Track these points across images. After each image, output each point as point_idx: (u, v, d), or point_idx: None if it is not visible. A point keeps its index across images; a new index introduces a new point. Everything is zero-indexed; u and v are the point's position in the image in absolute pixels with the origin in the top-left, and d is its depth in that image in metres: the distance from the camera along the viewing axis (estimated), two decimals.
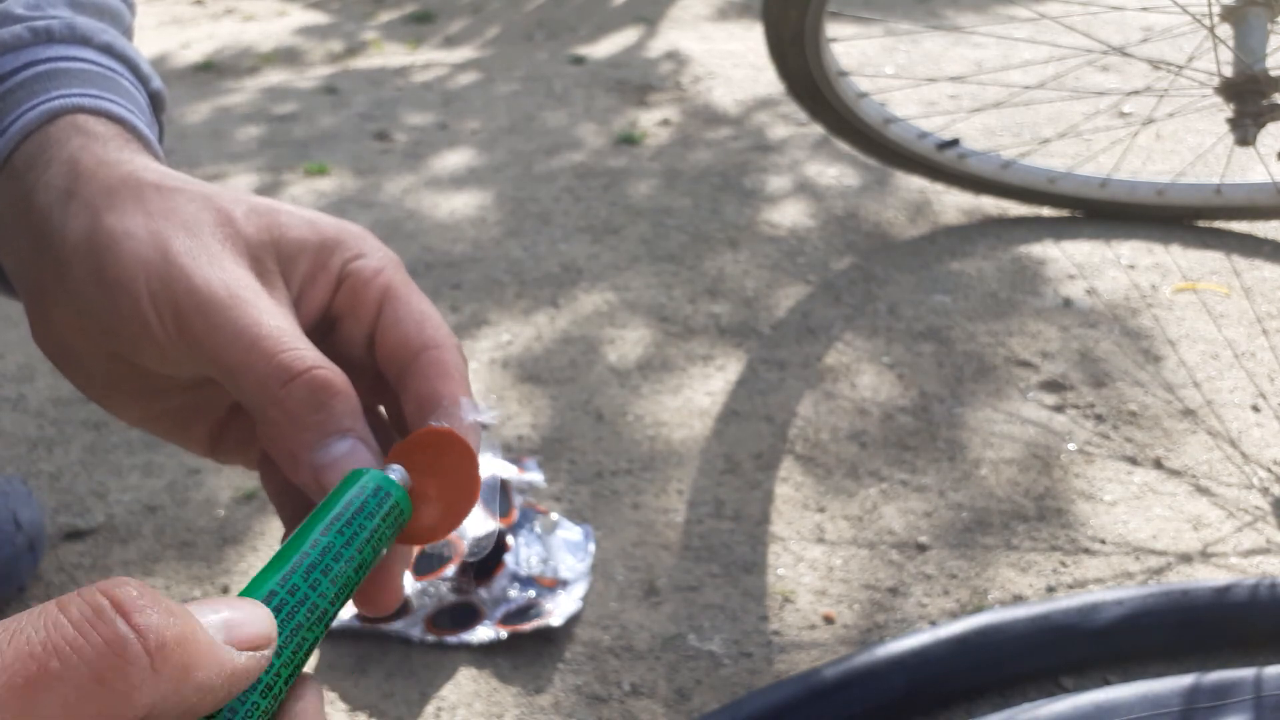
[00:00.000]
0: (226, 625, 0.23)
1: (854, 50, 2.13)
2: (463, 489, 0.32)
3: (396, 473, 0.31)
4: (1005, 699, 0.82)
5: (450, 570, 0.90)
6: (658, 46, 2.40)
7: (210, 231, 0.33)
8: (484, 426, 0.34)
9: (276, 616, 0.25)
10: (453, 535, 0.92)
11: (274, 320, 0.31)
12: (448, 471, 0.32)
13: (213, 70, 2.47)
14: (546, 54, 2.41)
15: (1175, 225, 1.49)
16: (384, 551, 0.29)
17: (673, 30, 2.52)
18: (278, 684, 0.25)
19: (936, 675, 0.81)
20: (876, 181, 1.67)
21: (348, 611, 0.91)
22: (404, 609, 0.90)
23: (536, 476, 1.00)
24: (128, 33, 0.45)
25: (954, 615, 0.90)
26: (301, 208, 0.36)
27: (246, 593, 0.26)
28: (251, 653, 0.23)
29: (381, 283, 0.35)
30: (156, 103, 0.43)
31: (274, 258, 0.34)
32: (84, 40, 0.40)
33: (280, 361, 0.31)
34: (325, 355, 0.33)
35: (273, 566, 0.27)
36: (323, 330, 0.36)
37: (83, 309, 0.33)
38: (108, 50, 0.41)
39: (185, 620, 0.21)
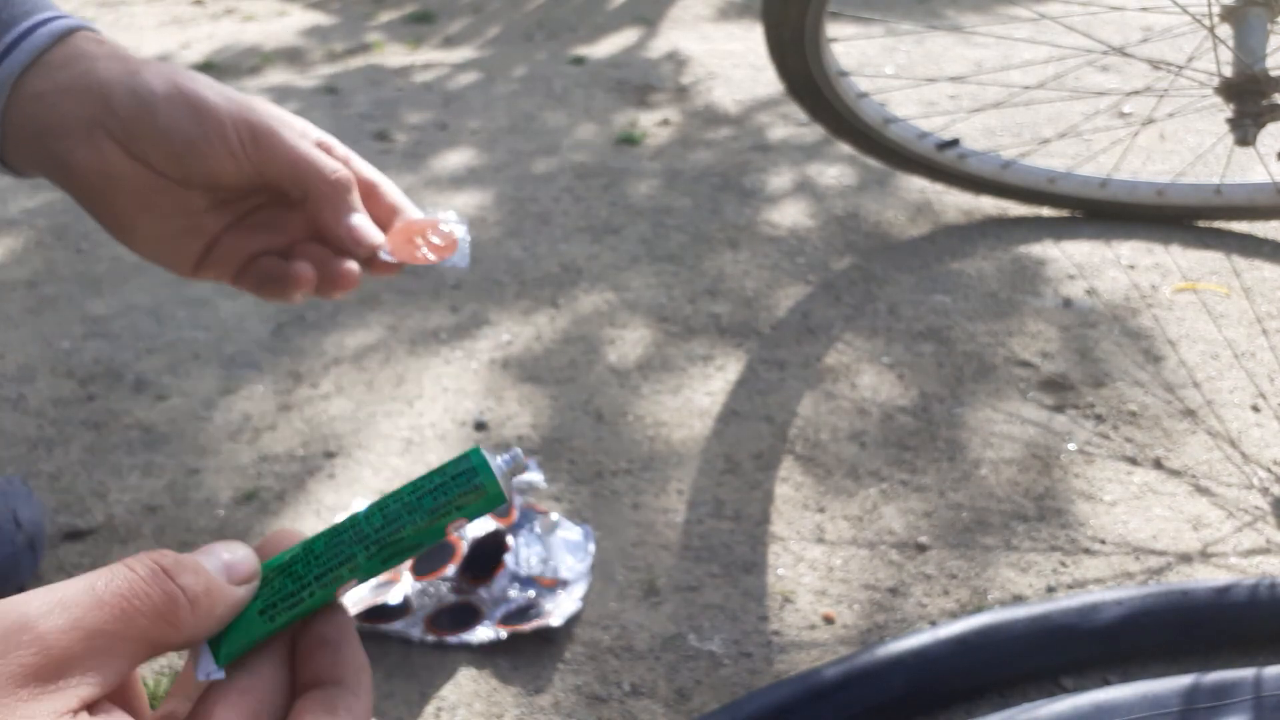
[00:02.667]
0: (227, 569, 0.33)
1: (854, 50, 2.13)
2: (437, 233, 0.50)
3: (507, 461, 0.38)
4: (1005, 699, 0.82)
5: (450, 570, 0.90)
6: (658, 46, 2.40)
7: (240, 93, 0.50)
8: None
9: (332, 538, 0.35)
10: (453, 536, 0.92)
11: (311, 143, 0.50)
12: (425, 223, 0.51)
13: (213, 70, 2.47)
14: (546, 54, 2.41)
15: (1175, 225, 1.50)
16: (450, 524, 0.36)
17: (673, 30, 2.52)
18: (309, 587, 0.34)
19: (936, 675, 0.81)
20: (876, 181, 1.67)
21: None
22: (404, 609, 0.90)
23: (536, 476, 1.00)
24: None
25: (954, 615, 0.90)
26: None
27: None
28: (246, 585, 0.34)
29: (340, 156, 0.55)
30: None
31: (290, 120, 0.52)
32: None
33: (329, 163, 0.50)
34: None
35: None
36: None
37: (169, 138, 0.47)
38: None
39: (208, 576, 0.32)
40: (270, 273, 0.51)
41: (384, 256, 0.50)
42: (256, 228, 0.52)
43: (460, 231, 0.49)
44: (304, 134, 0.51)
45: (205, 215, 0.50)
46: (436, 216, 0.51)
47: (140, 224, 0.49)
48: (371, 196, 0.52)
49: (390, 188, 0.52)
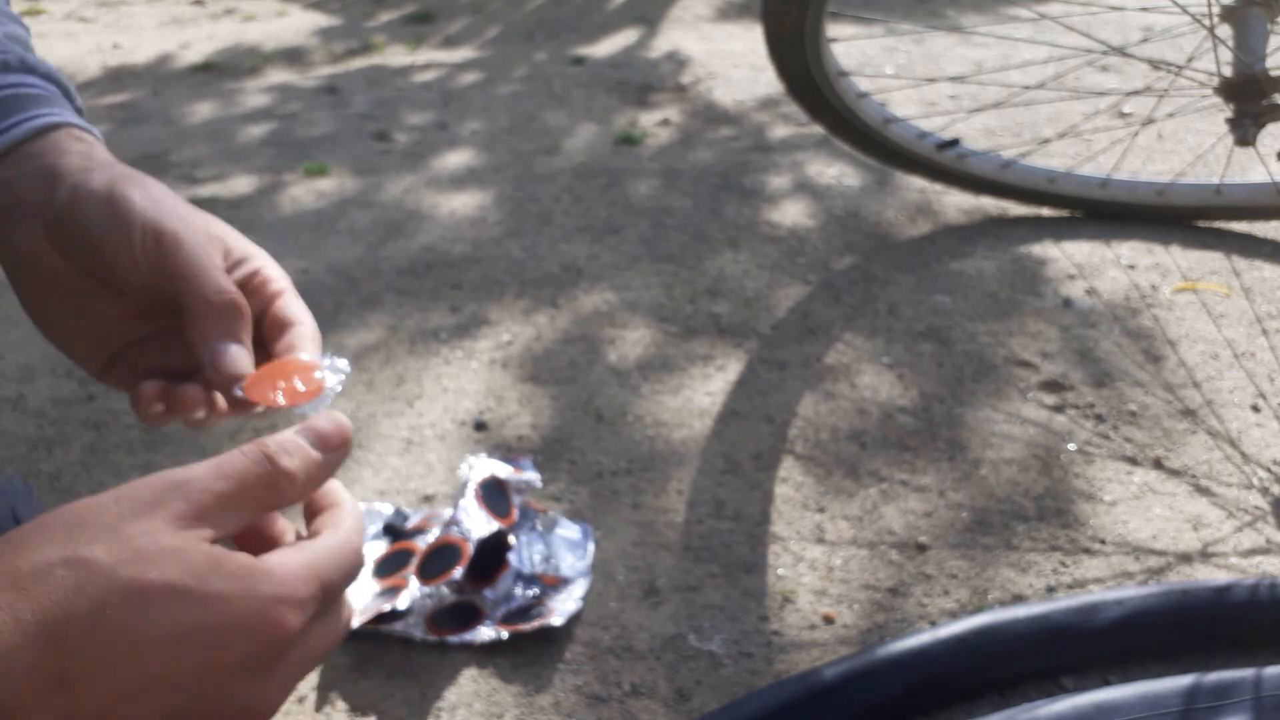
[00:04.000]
0: (321, 441, 0.41)
1: (854, 50, 2.13)
2: (299, 387, 0.47)
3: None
4: (1005, 699, 0.82)
5: (458, 573, 0.90)
6: (658, 46, 2.40)
7: (190, 210, 0.50)
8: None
9: None
10: (458, 538, 0.92)
11: (216, 261, 0.49)
12: (288, 373, 0.48)
13: (213, 70, 2.47)
14: (546, 54, 2.41)
15: (1175, 225, 1.49)
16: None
17: (673, 30, 2.52)
18: None
19: (936, 675, 0.81)
20: (876, 181, 1.67)
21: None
22: (407, 610, 0.90)
23: (533, 476, 1.00)
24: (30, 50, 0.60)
25: (954, 615, 0.90)
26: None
27: None
28: (338, 450, 0.42)
29: (276, 288, 0.52)
30: (65, 90, 0.58)
31: (219, 238, 0.51)
32: (31, 70, 0.54)
33: (220, 283, 0.48)
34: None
35: None
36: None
37: (84, 233, 0.48)
38: (48, 77, 0.55)
39: (304, 455, 0.41)
40: (134, 393, 0.50)
41: (236, 392, 0.47)
42: (161, 345, 0.51)
43: (332, 381, 0.47)
44: (218, 249, 0.49)
45: (117, 322, 0.51)
46: (318, 361, 0.48)
47: (52, 314, 0.51)
48: (279, 334, 0.50)
49: (305, 333, 0.50)
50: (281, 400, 0.46)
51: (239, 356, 0.47)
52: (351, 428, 0.42)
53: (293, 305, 0.51)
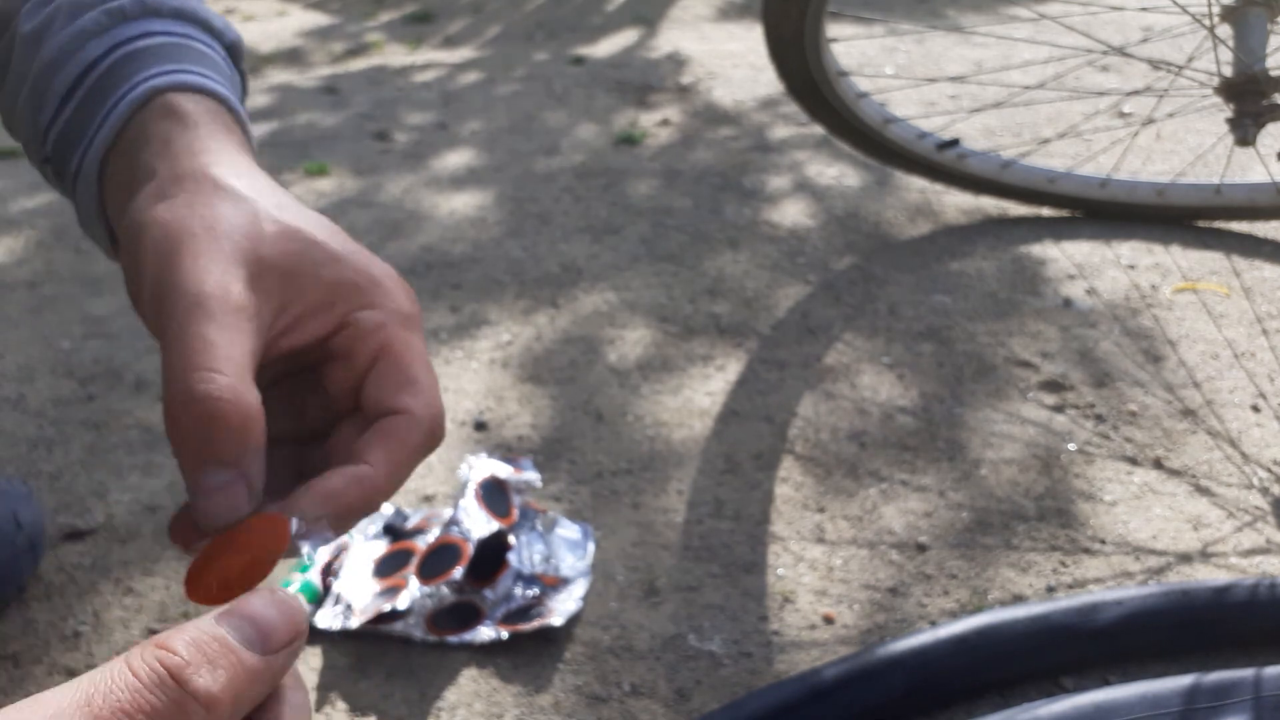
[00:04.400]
0: (261, 639, 0.28)
1: (854, 50, 2.13)
2: (251, 572, 0.33)
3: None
4: (1005, 699, 0.82)
5: (458, 573, 0.90)
6: (658, 46, 2.40)
7: (228, 236, 0.35)
8: (304, 545, 0.35)
9: None
10: (458, 538, 0.92)
11: (218, 335, 0.33)
12: (253, 550, 0.33)
13: None
14: (546, 54, 2.41)
15: (1175, 225, 1.49)
16: None
17: (673, 30, 2.52)
18: None
19: (936, 675, 0.81)
20: (876, 181, 1.67)
21: (349, 615, 0.91)
22: (407, 610, 0.90)
23: (533, 476, 1.00)
24: None
25: (954, 615, 0.90)
26: (347, 242, 0.37)
27: None
28: (285, 651, 0.28)
29: (379, 339, 0.37)
30: (234, 53, 0.47)
31: (279, 281, 0.35)
32: (154, 12, 0.44)
33: (189, 380, 0.32)
34: (314, 387, 0.37)
35: None
36: (317, 360, 0.37)
37: (126, 267, 0.37)
38: (177, 15, 0.44)
39: (228, 666, 0.27)
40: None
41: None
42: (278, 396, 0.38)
43: (305, 550, 0.35)
44: (222, 324, 0.34)
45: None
46: (291, 522, 0.34)
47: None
48: (378, 409, 0.36)
49: (411, 425, 0.36)
50: (217, 597, 0.32)
51: (221, 494, 0.33)
52: (307, 613, 0.30)
53: (398, 371, 0.36)
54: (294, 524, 0.34)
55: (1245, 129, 1.21)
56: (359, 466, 0.34)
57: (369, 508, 0.34)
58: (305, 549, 0.34)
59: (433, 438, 0.36)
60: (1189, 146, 1.71)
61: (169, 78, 0.41)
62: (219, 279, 0.33)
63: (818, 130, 1.84)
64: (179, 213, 0.35)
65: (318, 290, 0.36)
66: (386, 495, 0.35)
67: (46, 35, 0.44)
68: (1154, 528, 0.98)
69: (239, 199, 0.36)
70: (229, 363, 0.32)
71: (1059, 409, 1.14)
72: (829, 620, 0.90)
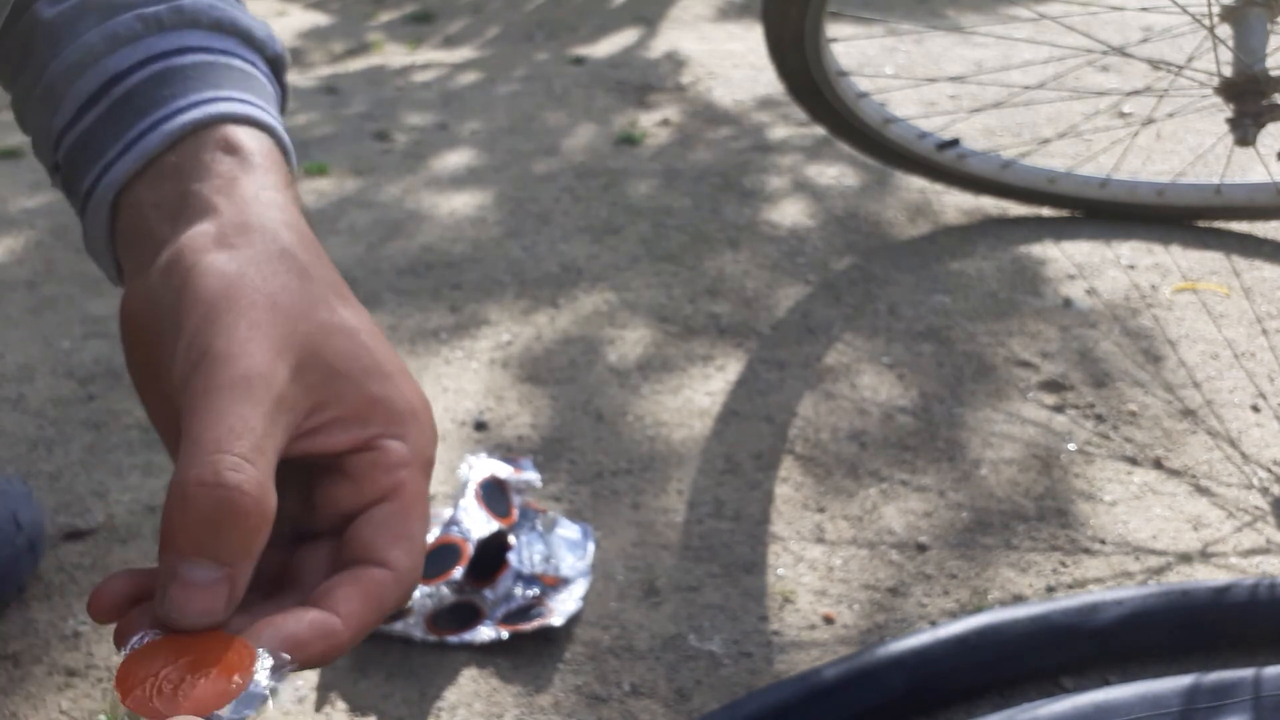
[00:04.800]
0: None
1: (854, 50, 2.13)
2: (208, 694, 0.29)
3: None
4: (1005, 699, 0.82)
5: (457, 573, 0.90)
6: (658, 46, 2.40)
7: (288, 315, 0.33)
8: (269, 689, 0.30)
9: None
10: (458, 538, 0.92)
11: (257, 421, 0.30)
12: (209, 666, 0.29)
13: None
14: (546, 54, 2.41)
15: (1175, 225, 1.49)
16: None
17: (673, 30, 2.52)
18: None
19: (936, 675, 0.81)
20: (876, 181, 1.67)
21: None
22: (406, 610, 0.90)
23: (533, 475, 1.00)
24: None
25: (954, 615, 0.90)
26: (394, 357, 0.35)
27: None
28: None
29: (396, 478, 0.34)
30: (277, 67, 0.44)
31: (323, 379, 0.33)
32: (193, 22, 0.40)
33: (217, 462, 0.29)
34: (299, 487, 0.34)
35: None
36: (328, 467, 0.35)
37: (155, 303, 0.34)
38: (217, 27, 0.41)
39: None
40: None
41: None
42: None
43: (262, 682, 0.30)
44: (253, 407, 0.31)
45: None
46: (257, 653, 0.30)
47: (141, 388, 0.37)
48: (343, 565, 0.34)
49: (368, 592, 0.33)
50: (160, 710, 0.28)
51: (201, 595, 0.29)
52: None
53: (398, 522, 0.34)
54: (261, 657, 0.30)
55: (1245, 129, 1.21)
56: (328, 617, 0.31)
57: (325, 662, 0.32)
58: (265, 684, 0.30)
59: (405, 598, 0.35)
60: (1189, 146, 1.71)
61: (225, 105, 0.38)
62: (270, 361, 0.31)
63: (818, 130, 1.84)
64: (244, 269, 0.33)
65: (358, 402, 0.34)
66: (346, 652, 0.33)
67: (71, 31, 0.40)
68: (1154, 528, 0.98)
69: (304, 275, 0.34)
70: (261, 456, 0.30)
71: (1059, 409, 1.14)
72: (829, 620, 0.90)
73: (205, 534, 0.29)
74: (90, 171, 0.39)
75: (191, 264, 0.33)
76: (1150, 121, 1.54)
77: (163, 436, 0.36)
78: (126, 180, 0.37)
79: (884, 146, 1.48)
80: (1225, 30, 1.22)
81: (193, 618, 0.29)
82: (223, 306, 0.32)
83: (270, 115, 0.40)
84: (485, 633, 0.88)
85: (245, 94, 0.39)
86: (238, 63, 0.41)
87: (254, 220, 0.34)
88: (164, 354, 0.32)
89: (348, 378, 0.33)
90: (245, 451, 0.29)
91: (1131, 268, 1.40)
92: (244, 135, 0.37)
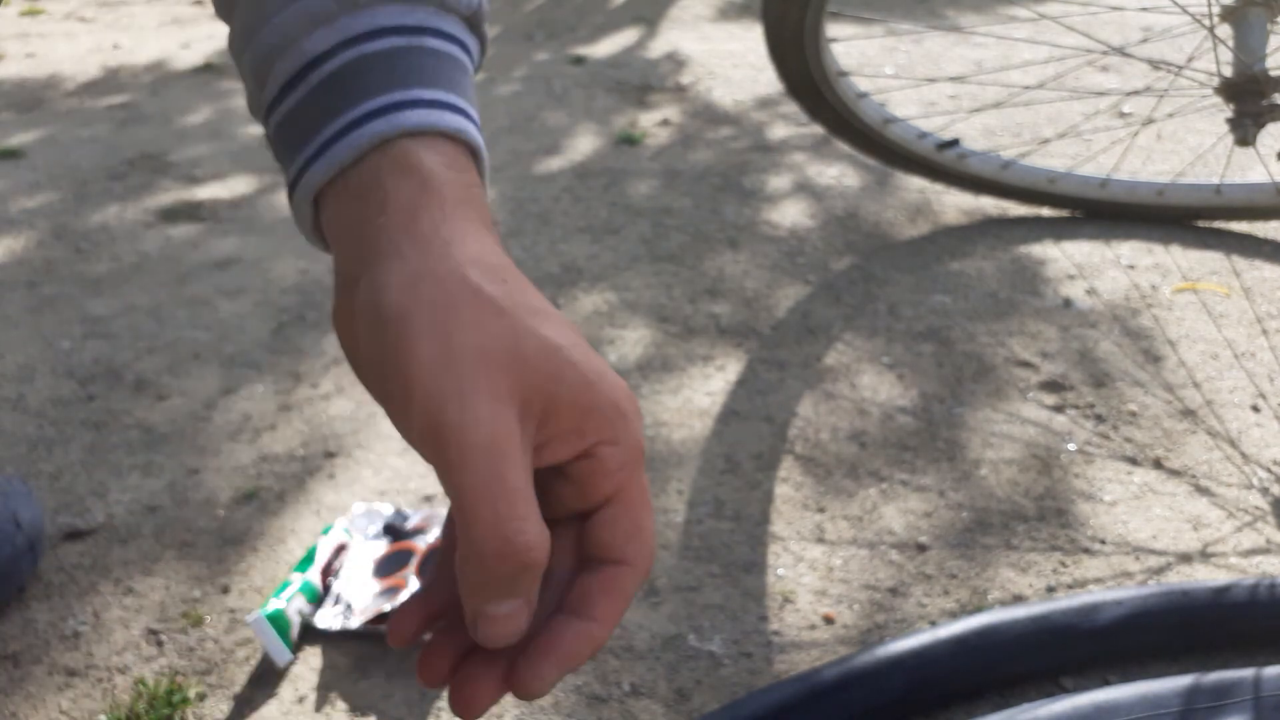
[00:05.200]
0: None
1: (854, 50, 2.13)
2: None
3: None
4: (1005, 699, 0.82)
5: None
6: (658, 46, 2.40)
7: (499, 366, 0.34)
8: None
9: None
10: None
11: (516, 480, 0.33)
12: None
13: (213, 71, 2.47)
14: (546, 54, 2.41)
15: (1175, 225, 1.49)
16: None
17: (673, 30, 2.52)
18: None
19: (936, 675, 0.81)
20: (876, 181, 1.67)
21: (349, 615, 0.91)
22: None
23: None
24: None
25: (954, 615, 0.90)
26: (592, 357, 0.36)
27: None
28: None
29: (618, 481, 0.37)
30: (474, 22, 0.42)
31: (540, 406, 0.35)
32: None
33: (505, 531, 0.32)
34: (540, 489, 0.36)
35: None
36: (550, 476, 0.37)
37: (371, 362, 0.35)
38: None
39: None
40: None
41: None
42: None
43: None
44: (515, 465, 0.34)
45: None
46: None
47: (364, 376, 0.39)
48: (591, 569, 0.37)
49: (628, 576, 0.37)
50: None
51: (508, 622, 0.34)
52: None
53: (628, 518, 0.37)
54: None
55: (1245, 129, 1.21)
56: (588, 625, 0.36)
57: (585, 660, 0.36)
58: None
59: (645, 581, 0.39)
60: (1189, 146, 1.71)
61: (410, 115, 0.37)
62: (504, 420, 0.33)
63: (818, 130, 1.84)
64: (451, 335, 0.33)
65: (572, 416, 0.35)
66: (601, 647, 0.37)
67: (276, 2, 0.39)
68: (1154, 528, 0.98)
69: (500, 312, 0.34)
70: (530, 507, 0.33)
71: (1059, 409, 1.14)
72: (829, 620, 0.90)
73: (505, 586, 0.33)
74: (292, 162, 0.39)
75: (395, 329, 0.34)
76: (1150, 121, 1.55)
77: (392, 418, 0.38)
78: (320, 187, 0.38)
79: (884, 146, 1.48)
80: (1225, 30, 1.23)
81: (508, 638, 0.34)
82: (439, 373, 0.33)
83: (456, 112, 0.39)
84: None
85: (434, 89, 0.39)
86: (431, 42, 0.40)
87: (439, 268, 0.35)
88: (382, 379, 0.35)
89: (559, 398, 0.35)
90: (521, 513, 0.33)
91: (1131, 268, 1.40)
92: (426, 155, 0.37)
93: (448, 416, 0.32)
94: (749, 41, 2.37)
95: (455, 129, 0.38)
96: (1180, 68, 1.28)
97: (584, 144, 1.86)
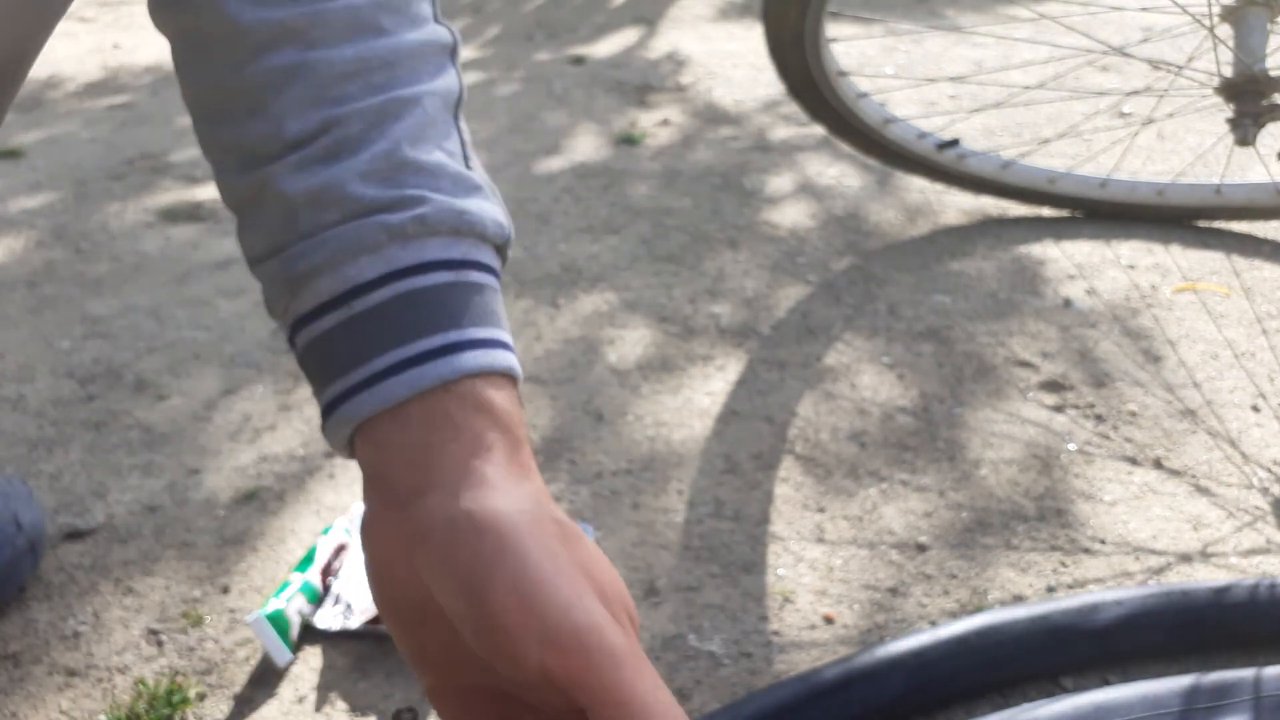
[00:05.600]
0: None
1: (854, 50, 2.13)
2: None
3: None
4: (1005, 699, 0.82)
5: None
6: (658, 46, 2.40)
7: (594, 581, 0.37)
8: None
9: None
10: None
11: (647, 679, 0.35)
12: None
13: None
14: (546, 54, 2.41)
15: (1175, 225, 1.49)
16: None
17: (673, 30, 2.52)
18: None
19: (936, 675, 0.81)
20: (876, 182, 1.67)
21: (349, 615, 0.91)
22: None
23: None
24: (460, 104, 0.45)
25: (954, 615, 0.90)
26: (584, 574, 0.38)
27: None
28: None
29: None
30: (503, 252, 0.45)
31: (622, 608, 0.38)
32: (433, 230, 0.40)
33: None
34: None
35: None
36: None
37: (453, 601, 0.36)
38: (455, 232, 0.41)
39: None
40: None
41: None
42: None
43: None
44: (636, 661, 0.36)
45: (483, 686, 0.41)
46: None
47: (394, 610, 0.41)
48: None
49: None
50: None
51: None
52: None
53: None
54: None
55: (1245, 129, 1.21)
56: None
57: None
58: None
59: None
60: (1189, 146, 1.71)
61: (464, 359, 0.39)
62: (596, 609, 0.36)
63: (818, 130, 1.84)
64: (556, 550, 0.36)
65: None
66: None
67: (313, 220, 0.40)
68: (1154, 528, 0.98)
69: (577, 537, 0.38)
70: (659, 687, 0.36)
71: (1059, 409, 1.14)
72: (829, 620, 0.90)
73: None
74: (329, 385, 0.40)
75: (493, 542, 0.35)
76: (1150, 121, 1.54)
77: (401, 647, 0.40)
78: (369, 416, 0.39)
79: (884, 146, 1.48)
80: (1225, 30, 1.23)
81: None
82: (557, 579, 0.36)
83: (504, 348, 0.41)
84: None
85: (484, 327, 0.40)
86: (474, 276, 0.41)
87: (520, 490, 0.37)
88: (453, 593, 0.36)
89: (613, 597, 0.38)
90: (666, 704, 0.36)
91: (1131, 268, 1.40)
92: (493, 393, 0.39)
93: (577, 618, 0.35)
94: (749, 41, 2.37)
95: (507, 367, 0.40)
96: (1180, 68, 1.28)
97: (584, 144, 1.86)
